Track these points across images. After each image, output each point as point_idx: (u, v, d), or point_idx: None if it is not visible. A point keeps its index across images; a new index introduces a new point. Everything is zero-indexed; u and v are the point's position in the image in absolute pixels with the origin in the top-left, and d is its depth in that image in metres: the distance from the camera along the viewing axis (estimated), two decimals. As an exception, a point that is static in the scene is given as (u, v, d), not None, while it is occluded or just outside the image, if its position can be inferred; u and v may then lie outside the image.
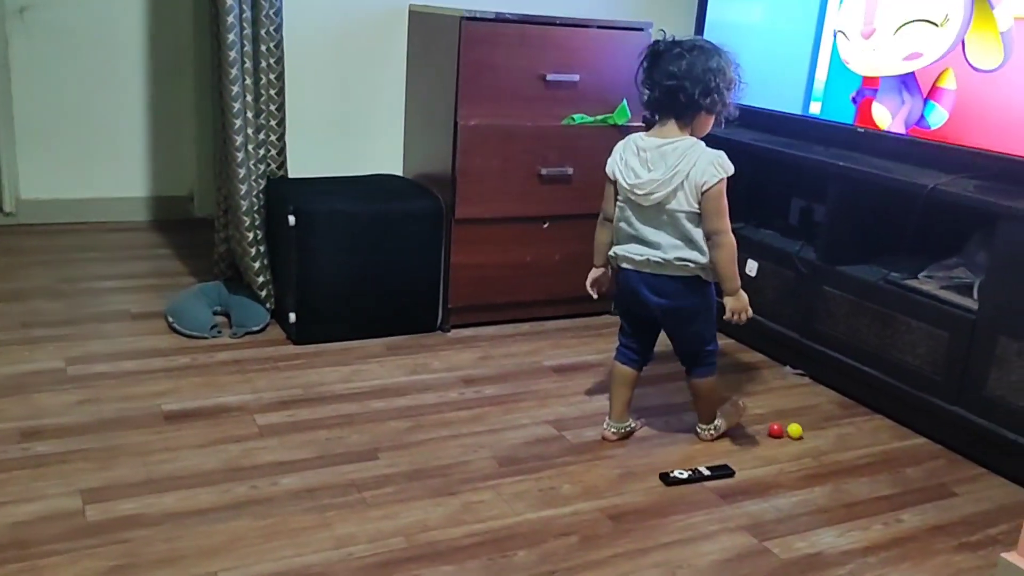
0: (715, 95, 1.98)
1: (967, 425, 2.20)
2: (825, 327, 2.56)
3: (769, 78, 2.91)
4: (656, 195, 1.99)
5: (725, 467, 2.09)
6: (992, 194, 2.16)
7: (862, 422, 2.40)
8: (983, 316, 2.15)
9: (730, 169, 1.99)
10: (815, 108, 2.78)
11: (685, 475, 2.04)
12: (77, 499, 1.77)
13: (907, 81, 2.48)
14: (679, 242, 2.02)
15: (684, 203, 1.98)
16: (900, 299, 2.35)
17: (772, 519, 1.91)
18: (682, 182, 1.97)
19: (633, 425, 2.23)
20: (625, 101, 2.82)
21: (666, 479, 2.02)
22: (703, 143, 2.01)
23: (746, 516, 1.91)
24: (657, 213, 2.02)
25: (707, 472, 2.06)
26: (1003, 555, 1.67)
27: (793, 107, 2.84)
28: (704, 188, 1.96)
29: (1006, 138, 2.24)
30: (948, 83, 2.37)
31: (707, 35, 3.12)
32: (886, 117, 2.55)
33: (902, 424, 2.38)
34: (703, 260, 2.02)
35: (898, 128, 2.52)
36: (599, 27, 2.78)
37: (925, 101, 2.44)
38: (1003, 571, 1.66)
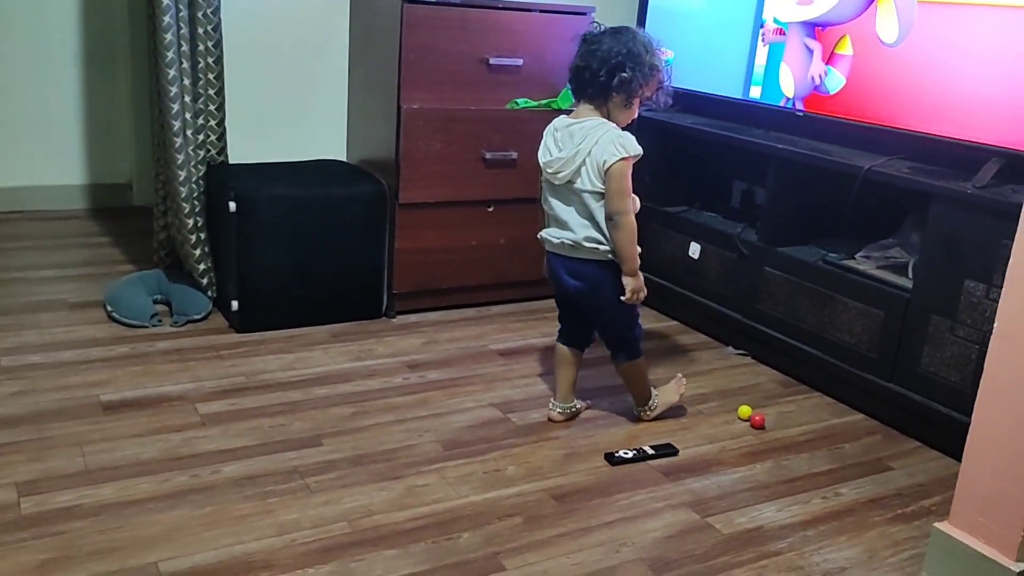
0: (622, 75, 1.96)
1: (902, 401, 2.25)
2: (766, 307, 2.61)
3: (710, 63, 2.94)
4: (562, 173, 2.01)
5: (669, 446, 2.12)
6: (925, 175, 2.21)
7: (802, 400, 2.45)
8: (917, 295, 2.21)
9: (633, 150, 1.98)
10: (755, 92, 2.81)
11: (630, 455, 2.06)
12: (12, 492, 1.73)
13: (810, 36, 2.59)
14: (587, 222, 2.03)
15: (588, 182, 1.99)
16: (838, 279, 2.40)
17: (714, 495, 1.94)
18: (584, 160, 1.98)
19: (579, 406, 2.24)
20: (569, 86, 2.82)
21: (611, 459, 2.04)
22: (612, 124, 2.01)
23: (689, 493, 1.94)
24: (568, 192, 2.03)
25: (651, 451, 2.08)
26: (936, 524, 1.72)
27: (734, 91, 2.87)
28: (605, 167, 1.97)
29: (902, 111, 2.33)
30: (846, 49, 2.45)
31: (649, 20, 3.15)
32: (789, 78, 2.65)
33: (840, 401, 2.44)
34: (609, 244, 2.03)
35: (801, 91, 2.61)
36: (542, 11, 2.78)
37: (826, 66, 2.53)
38: (936, 540, 1.71)
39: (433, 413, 2.20)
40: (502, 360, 2.54)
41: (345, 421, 2.12)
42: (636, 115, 2.06)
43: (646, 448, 2.09)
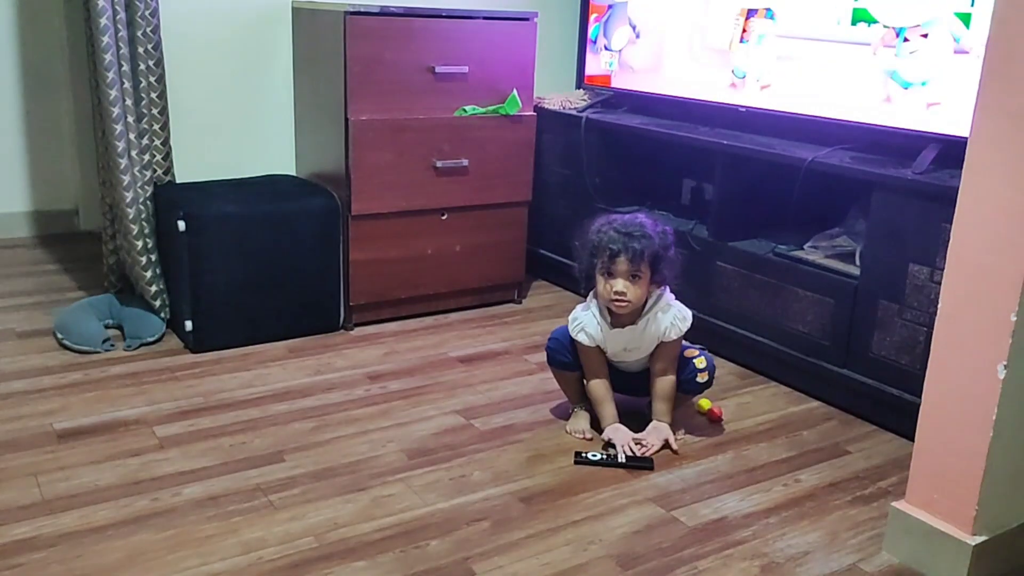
0: None
1: (856, 386, 2.30)
2: (720, 302, 2.64)
3: (656, 64, 2.97)
4: None
5: (644, 459, 2.06)
6: (866, 164, 2.26)
7: (759, 390, 2.48)
8: (864, 281, 2.26)
9: (572, 331, 2.16)
10: (699, 90, 2.85)
11: (598, 457, 2.05)
12: (-36, 527, 1.69)
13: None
14: None
15: None
16: (788, 270, 2.44)
17: (678, 489, 1.96)
18: None
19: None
20: (515, 91, 2.84)
21: (578, 457, 2.04)
22: (585, 303, 2.20)
23: (653, 488, 1.95)
24: None
25: (623, 460, 2.03)
26: (893, 504, 1.76)
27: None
28: None
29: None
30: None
31: (590, 26, 3.18)
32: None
33: (797, 390, 2.48)
34: None
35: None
36: (485, 18, 2.79)
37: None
38: (894, 519, 1.75)
39: (396, 423, 2.19)
40: (462, 367, 2.54)
41: (307, 436, 2.10)
42: (604, 293, 2.09)
43: (620, 458, 2.03)
